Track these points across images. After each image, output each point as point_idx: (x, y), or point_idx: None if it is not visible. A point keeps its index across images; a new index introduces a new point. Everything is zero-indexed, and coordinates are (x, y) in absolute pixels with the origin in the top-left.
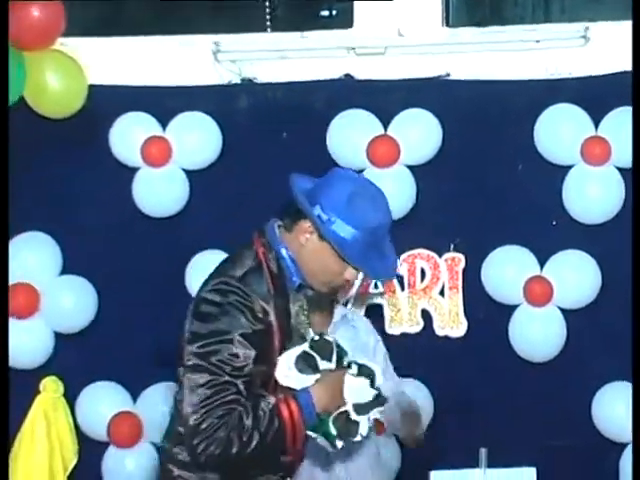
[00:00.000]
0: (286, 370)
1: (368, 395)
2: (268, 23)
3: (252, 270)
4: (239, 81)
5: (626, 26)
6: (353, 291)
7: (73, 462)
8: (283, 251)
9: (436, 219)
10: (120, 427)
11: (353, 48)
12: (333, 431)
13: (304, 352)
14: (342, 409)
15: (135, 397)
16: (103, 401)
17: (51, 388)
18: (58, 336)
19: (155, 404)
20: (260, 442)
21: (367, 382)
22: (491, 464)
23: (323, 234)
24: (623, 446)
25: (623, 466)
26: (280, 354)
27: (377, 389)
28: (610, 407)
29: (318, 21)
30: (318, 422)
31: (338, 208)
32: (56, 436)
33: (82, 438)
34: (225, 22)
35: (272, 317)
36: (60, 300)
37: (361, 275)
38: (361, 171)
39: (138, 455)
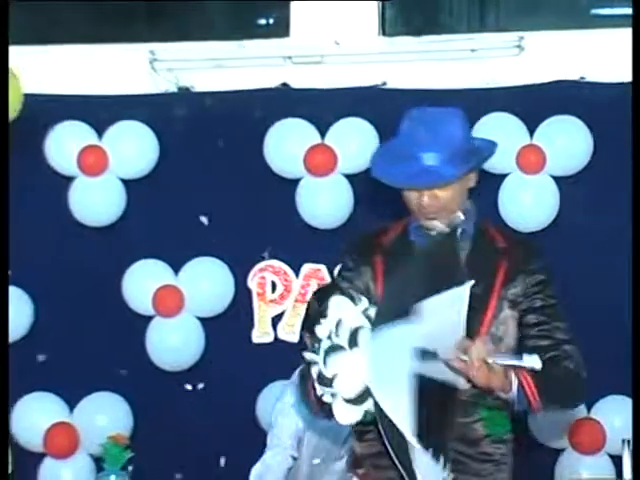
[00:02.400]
0: None
1: None
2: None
3: None
4: (176, 90)
5: (560, 35)
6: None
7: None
8: None
9: (373, 227)
10: (56, 438)
11: (290, 57)
12: None
13: None
14: None
15: (72, 407)
16: (39, 411)
17: None
18: None
19: (92, 414)
20: None
21: None
22: None
23: None
24: (559, 452)
25: (558, 471)
26: None
27: None
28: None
29: (255, 30)
30: None
31: None
32: None
33: (17, 449)
34: (161, 30)
35: None
36: None
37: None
38: (298, 180)
39: (75, 466)
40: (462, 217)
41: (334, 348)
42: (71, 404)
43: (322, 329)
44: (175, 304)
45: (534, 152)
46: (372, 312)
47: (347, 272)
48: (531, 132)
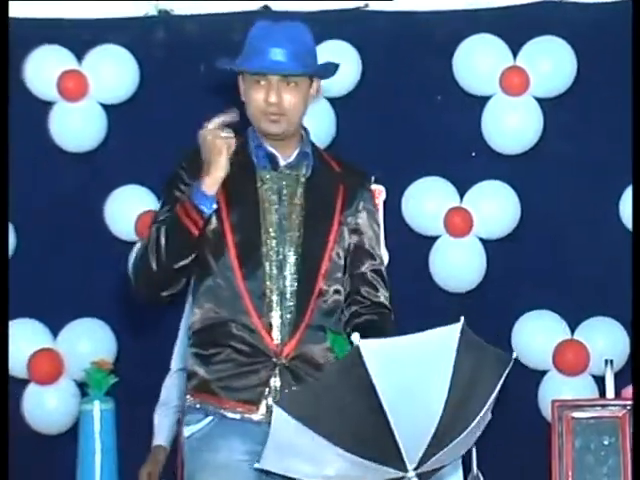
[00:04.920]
0: None
1: None
2: None
3: None
4: (156, 13)
5: None
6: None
7: None
8: None
9: (356, 151)
10: (40, 364)
11: None
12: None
13: None
14: None
15: (55, 334)
16: (23, 338)
17: None
18: None
19: (76, 340)
20: (167, 243)
21: None
22: None
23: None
24: (542, 373)
25: (542, 393)
26: None
27: None
28: (529, 336)
29: None
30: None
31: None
32: None
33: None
34: None
35: None
36: None
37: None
38: None
39: (59, 392)
40: (307, 149)
41: None
42: (54, 330)
43: None
44: None
45: (517, 73)
46: None
47: (184, 186)
48: (514, 53)
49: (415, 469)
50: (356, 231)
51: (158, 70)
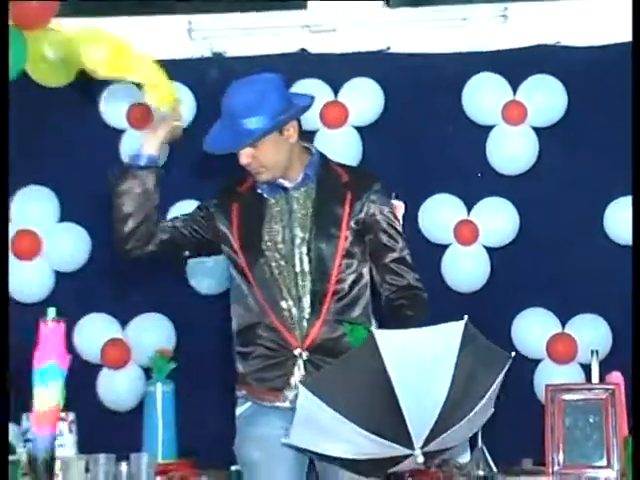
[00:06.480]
0: None
1: None
2: None
3: None
4: (210, 55)
5: (540, 6)
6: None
7: None
8: None
9: (379, 172)
10: (111, 351)
11: (307, 26)
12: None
13: None
14: None
15: (124, 326)
16: (96, 330)
17: None
18: (58, 274)
19: (142, 331)
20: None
21: None
22: None
23: None
24: (537, 362)
25: (537, 379)
26: None
27: None
28: (526, 329)
29: (278, 4)
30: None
31: None
32: None
33: (79, 361)
34: (198, 4)
35: None
36: (59, 244)
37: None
38: (314, 132)
39: (127, 375)
40: (310, 172)
41: None
42: (123, 323)
43: None
44: None
45: (517, 106)
46: None
47: (205, 209)
48: (514, 89)
49: (421, 448)
50: (369, 231)
51: (212, 104)
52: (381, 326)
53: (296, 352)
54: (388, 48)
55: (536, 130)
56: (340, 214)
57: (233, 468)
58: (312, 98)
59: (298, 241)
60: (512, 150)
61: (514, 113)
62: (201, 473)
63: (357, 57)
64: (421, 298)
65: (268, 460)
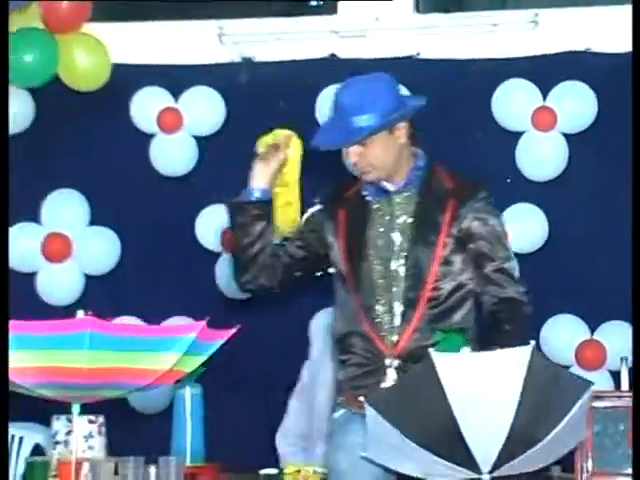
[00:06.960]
0: None
1: None
2: None
3: None
4: (240, 60)
5: (570, 12)
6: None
7: None
8: None
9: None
10: None
11: (337, 31)
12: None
13: None
14: None
15: None
16: None
17: None
18: (88, 277)
19: None
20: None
21: None
22: None
23: None
24: (566, 368)
25: None
26: None
27: None
28: (555, 336)
29: (307, 8)
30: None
31: None
32: None
33: None
34: (228, 9)
35: None
36: (89, 247)
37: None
38: None
39: None
40: (413, 176)
41: None
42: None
43: None
44: None
45: (547, 113)
46: None
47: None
48: (544, 95)
49: (490, 472)
50: (471, 239)
51: (241, 107)
52: (479, 338)
53: (387, 361)
54: (418, 54)
55: (566, 136)
56: (441, 221)
57: (262, 472)
58: (424, 99)
59: (397, 247)
60: (542, 156)
61: (544, 119)
62: (229, 477)
63: (386, 62)
64: (522, 312)
65: (353, 471)
